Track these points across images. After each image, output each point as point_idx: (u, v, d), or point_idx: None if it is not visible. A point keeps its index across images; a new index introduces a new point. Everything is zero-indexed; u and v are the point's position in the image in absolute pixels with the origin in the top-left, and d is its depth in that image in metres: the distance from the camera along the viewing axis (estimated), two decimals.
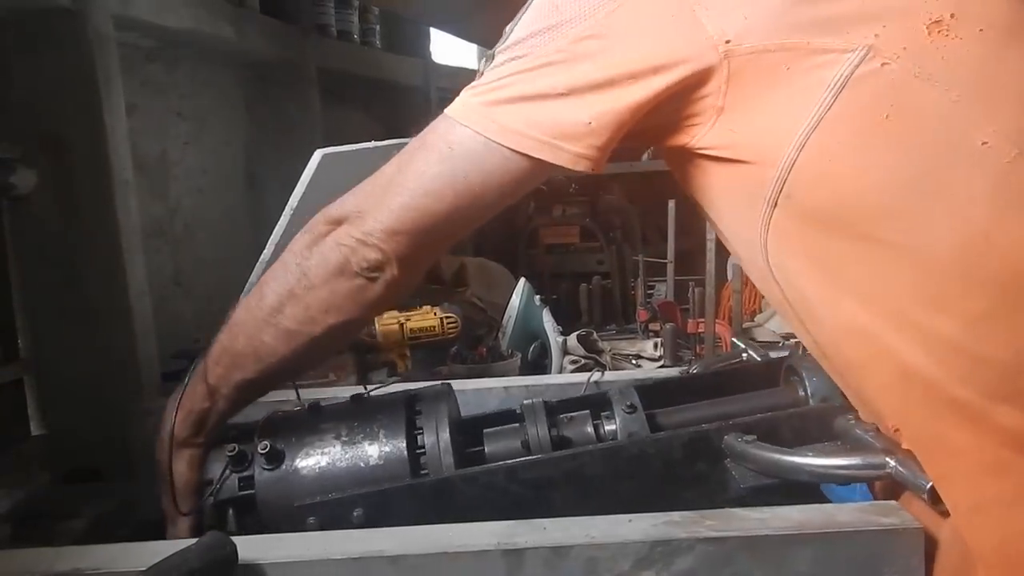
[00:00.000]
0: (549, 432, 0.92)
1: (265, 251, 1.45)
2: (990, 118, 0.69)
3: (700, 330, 2.34)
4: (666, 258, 2.63)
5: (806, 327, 0.82)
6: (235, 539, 0.71)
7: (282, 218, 1.46)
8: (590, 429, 0.94)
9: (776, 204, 0.75)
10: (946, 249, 0.70)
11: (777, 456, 0.82)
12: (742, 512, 0.76)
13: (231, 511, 0.88)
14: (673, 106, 0.76)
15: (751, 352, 1.12)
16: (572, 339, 2.05)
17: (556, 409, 0.98)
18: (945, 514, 0.72)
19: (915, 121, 0.71)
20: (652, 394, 0.99)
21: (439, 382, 1.03)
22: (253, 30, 2.24)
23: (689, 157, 0.80)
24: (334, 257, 0.84)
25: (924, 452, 0.74)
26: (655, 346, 2.25)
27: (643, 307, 2.39)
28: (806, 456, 0.81)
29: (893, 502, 0.78)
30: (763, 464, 0.83)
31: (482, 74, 0.82)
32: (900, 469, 0.74)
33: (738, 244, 0.85)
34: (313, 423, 0.93)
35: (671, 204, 2.56)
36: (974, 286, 0.69)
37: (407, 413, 0.92)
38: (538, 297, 2.06)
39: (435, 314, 1.58)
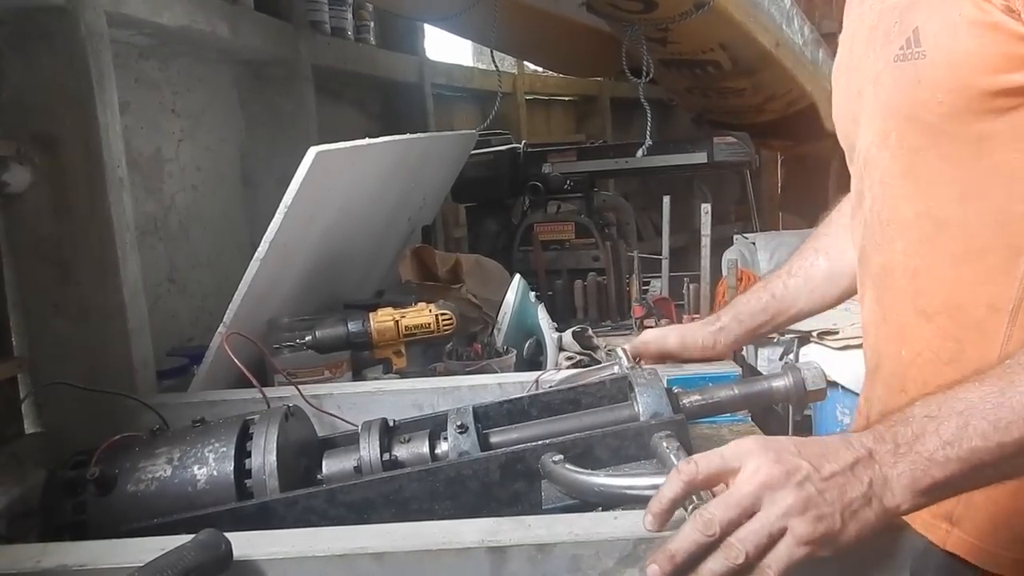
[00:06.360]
0: (381, 455, 0.95)
1: (260, 249, 1.46)
2: None
3: None
4: (661, 254, 2.64)
5: None
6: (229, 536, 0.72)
7: (276, 216, 1.46)
8: (425, 450, 0.96)
9: None
10: None
11: (573, 476, 0.85)
12: None
13: (67, 536, 0.90)
14: None
15: (621, 365, 1.12)
16: (567, 335, 2.05)
17: (397, 429, 1.01)
18: None
19: None
20: (505, 412, 1.03)
21: (285, 404, 1.05)
22: (247, 27, 2.24)
23: None
24: None
25: None
26: None
27: (638, 303, 2.39)
28: (597, 476, 0.84)
29: None
30: (564, 484, 0.86)
31: None
32: None
33: None
34: (150, 447, 0.95)
35: (666, 200, 2.56)
36: None
37: (239, 436, 0.94)
38: (533, 294, 2.06)
39: (430, 311, 1.58)
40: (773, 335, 2.35)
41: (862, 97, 1.03)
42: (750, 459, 0.71)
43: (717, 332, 1.36)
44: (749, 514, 0.70)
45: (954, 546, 0.97)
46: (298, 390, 1.24)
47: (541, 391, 1.09)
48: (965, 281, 0.92)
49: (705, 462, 0.73)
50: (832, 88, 1.17)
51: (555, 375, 1.35)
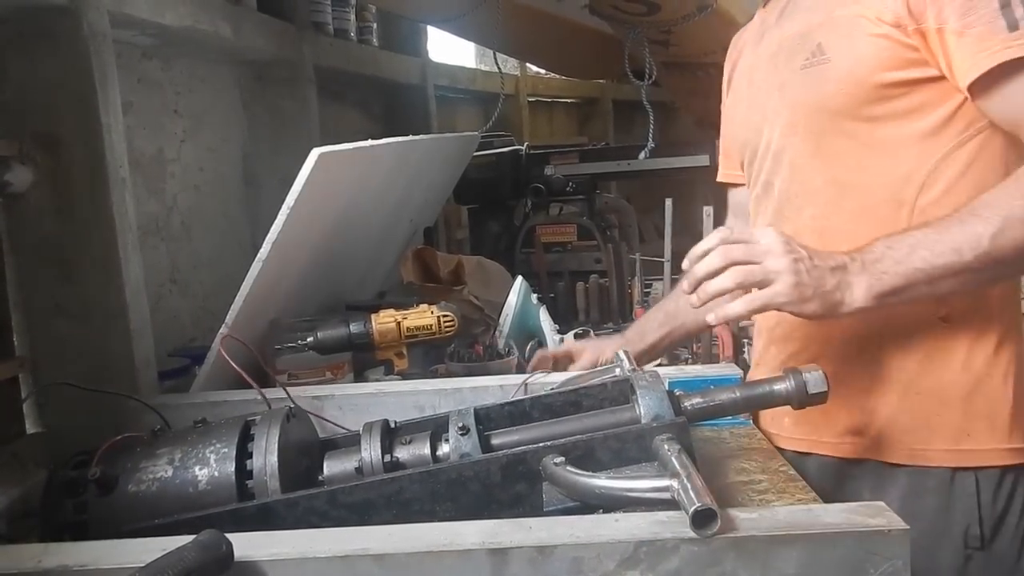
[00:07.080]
0: (382, 456, 0.95)
1: (262, 250, 1.45)
2: None
3: None
4: (663, 257, 2.63)
5: None
6: (230, 536, 0.72)
7: (279, 217, 1.45)
8: (426, 451, 0.96)
9: None
10: None
11: (575, 478, 0.84)
12: (730, 512, 0.76)
13: (68, 537, 0.90)
14: None
15: (623, 367, 1.11)
16: (569, 338, 2.05)
17: (399, 431, 1.00)
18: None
19: None
20: (507, 414, 1.02)
21: (286, 405, 1.04)
22: (250, 28, 2.24)
23: None
24: None
25: None
26: None
27: (640, 306, 2.39)
28: (599, 479, 0.84)
29: (880, 503, 0.78)
30: (565, 486, 0.85)
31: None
32: (680, 492, 0.76)
33: None
34: (151, 448, 0.95)
35: (668, 202, 2.55)
36: None
37: (240, 437, 0.94)
38: (535, 296, 2.06)
39: (432, 312, 1.57)
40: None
41: (765, 106, 1.27)
42: (770, 235, 1.02)
43: (624, 346, 1.45)
44: (755, 263, 0.99)
45: (847, 452, 1.20)
46: (289, 396, 1.20)
47: (543, 393, 1.09)
48: (862, 232, 1.11)
49: (739, 231, 1.04)
50: (727, 117, 1.46)
51: (546, 376, 1.36)
